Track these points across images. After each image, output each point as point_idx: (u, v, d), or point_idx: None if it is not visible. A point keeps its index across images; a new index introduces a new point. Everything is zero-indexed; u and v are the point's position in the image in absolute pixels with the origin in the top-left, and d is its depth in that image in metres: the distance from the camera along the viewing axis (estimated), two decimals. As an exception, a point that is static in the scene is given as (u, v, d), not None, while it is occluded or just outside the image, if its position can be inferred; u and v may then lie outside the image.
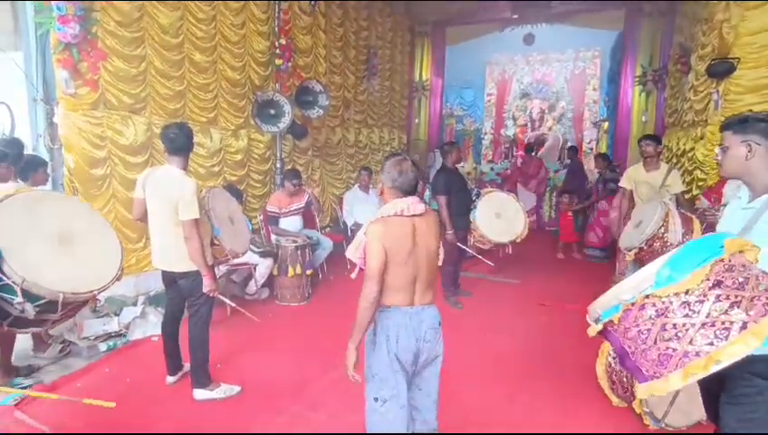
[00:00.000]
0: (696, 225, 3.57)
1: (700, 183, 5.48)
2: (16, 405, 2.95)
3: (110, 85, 4.28)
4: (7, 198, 2.18)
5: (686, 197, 5.78)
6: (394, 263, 1.97)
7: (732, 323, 1.35)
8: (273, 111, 5.66)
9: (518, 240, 5.13)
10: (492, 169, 10.32)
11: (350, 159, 8.06)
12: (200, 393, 3.14)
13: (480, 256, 5.33)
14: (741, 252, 1.44)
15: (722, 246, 1.42)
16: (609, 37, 9.64)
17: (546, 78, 11.29)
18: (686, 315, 1.40)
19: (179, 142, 2.94)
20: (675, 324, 1.41)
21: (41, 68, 3.94)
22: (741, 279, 1.38)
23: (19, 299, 2.02)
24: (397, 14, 9.15)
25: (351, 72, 7.91)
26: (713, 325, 1.36)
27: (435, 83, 10.47)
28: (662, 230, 3.57)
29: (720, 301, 1.37)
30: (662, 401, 2.71)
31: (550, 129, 11.13)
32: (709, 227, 3.48)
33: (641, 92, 8.39)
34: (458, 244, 4.87)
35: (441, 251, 2.20)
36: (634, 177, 4.49)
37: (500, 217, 5.07)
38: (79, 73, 3.99)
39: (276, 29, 6.01)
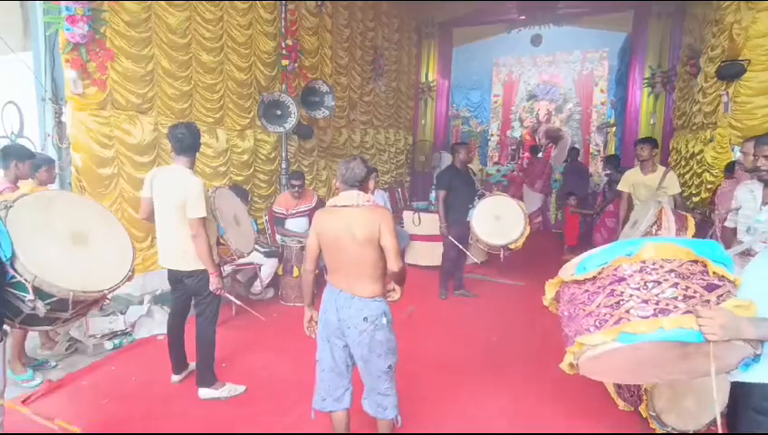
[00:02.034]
0: (691, 222, 3.55)
1: (709, 186, 5.43)
2: (23, 402, 2.98)
3: (118, 85, 4.30)
4: (21, 198, 2.20)
5: (696, 200, 5.74)
6: (324, 246, 2.32)
7: (611, 316, 1.40)
8: (279, 112, 5.67)
9: (512, 246, 4.96)
10: (498, 170, 10.29)
11: (356, 160, 8.06)
12: (205, 392, 3.15)
13: (469, 253, 5.26)
14: (697, 262, 1.41)
15: (640, 249, 1.44)
16: (618, 38, 9.59)
17: (554, 79, 11.26)
18: (583, 302, 1.49)
19: (187, 142, 2.95)
20: (575, 309, 1.52)
21: (49, 68, 3.97)
22: (651, 281, 1.39)
23: (30, 296, 2.03)
24: (403, 15, 9.15)
25: (358, 73, 7.92)
26: (597, 315, 1.44)
27: (441, 84, 10.45)
28: (655, 228, 3.57)
29: (612, 296, 1.42)
30: (669, 405, 2.69)
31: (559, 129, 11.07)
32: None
33: (650, 94, 8.34)
34: (451, 238, 5.03)
35: (390, 248, 2.18)
36: (632, 180, 4.53)
37: (499, 220, 4.98)
38: (87, 73, 4.01)
39: (283, 30, 6.02)
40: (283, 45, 6.02)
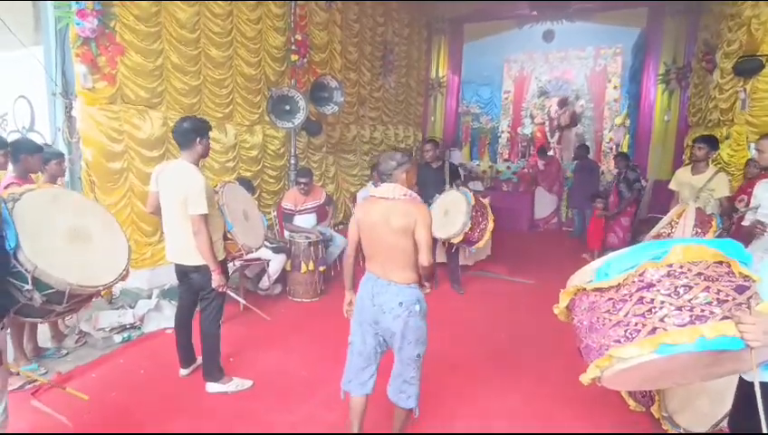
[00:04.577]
0: (714, 227, 3.43)
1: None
2: (33, 393, 3.00)
3: (128, 80, 4.32)
4: (28, 192, 2.25)
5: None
6: (362, 233, 2.44)
7: (644, 325, 1.34)
8: (287, 107, 5.65)
9: (455, 241, 4.84)
10: (508, 167, 10.19)
11: (365, 156, 8.03)
12: (212, 387, 3.15)
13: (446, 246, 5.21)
14: (722, 263, 1.36)
15: (666, 252, 1.37)
16: (631, 34, 9.43)
17: (566, 76, 11.10)
18: (608, 311, 1.42)
19: (177, 137, 2.97)
20: (598, 318, 1.44)
21: (60, 62, 3.99)
22: (682, 286, 1.33)
23: (29, 286, 2.07)
24: (413, 10, 9.08)
25: (367, 69, 7.88)
26: (627, 325, 1.37)
27: (451, 80, 10.37)
28: (666, 230, 3.48)
29: (642, 303, 1.36)
30: (681, 405, 2.63)
31: (568, 127, 10.91)
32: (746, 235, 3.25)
33: (664, 91, 8.19)
34: None
35: (423, 241, 2.28)
36: (680, 179, 4.35)
37: (447, 215, 4.92)
38: (97, 68, 4.03)
39: (292, 25, 6.00)
40: (293, 40, 6.01)
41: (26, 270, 2.05)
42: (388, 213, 2.30)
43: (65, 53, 3.99)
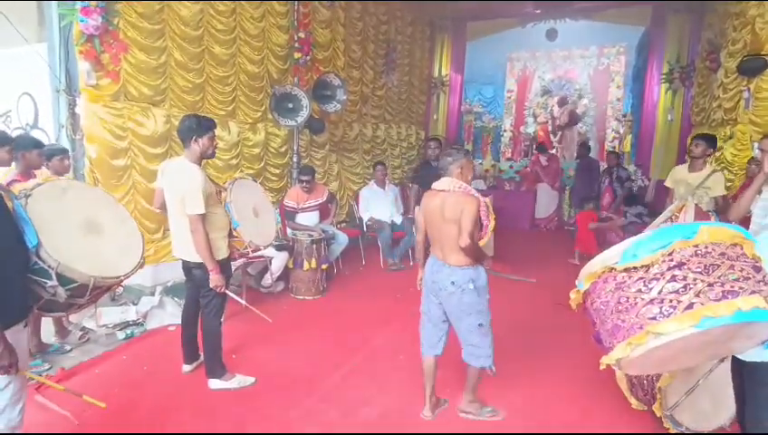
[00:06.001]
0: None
1: (728, 184, 5.31)
2: (37, 389, 3.02)
3: (131, 77, 4.32)
4: (38, 187, 2.25)
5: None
6: (425, 220, 2.79)
7: (680, 302, 1.39)
8: (290, 105, 5.66)
9: None
10: (511, 166, 10.17)
11: (367, 155, 8.03)
12: (215, 383, 3.16)
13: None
14: (736, 244, 1.45)
15: (695, 232, 1.44)
16: (635, 33, 9.41)
17: (569, 74, 11.07)
18: (639, 290, 1.46)
19: (179, 135, 2.99)
20: (628, 298, 1.48)
21: (64, 59, 4.00)
22: (710, 264, 1.40)
23: (53, 282, 2.06)
24: (417, 8, 9.06)
25: (370, 67, 7.87)
26: (661, 302, 1.42)
27: (454, 79, 10.35)
28: (668, 223, 3.47)
29: (675, 281, 1.42)
30: (684, 404, 2.63)
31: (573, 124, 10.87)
32: None
33: (667, 90, 8.16)
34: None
35: (462, 225, 2.53)
36: (676, 176, 4.33)
37: None
38: (101, 65, 4.04)
39: (295, 22, 6.00)
40: (296, 38, 6.01)
41: (49, 266, 2.02)
42: (442, 204, 2.63)
43: (69, 51, 4.00)
